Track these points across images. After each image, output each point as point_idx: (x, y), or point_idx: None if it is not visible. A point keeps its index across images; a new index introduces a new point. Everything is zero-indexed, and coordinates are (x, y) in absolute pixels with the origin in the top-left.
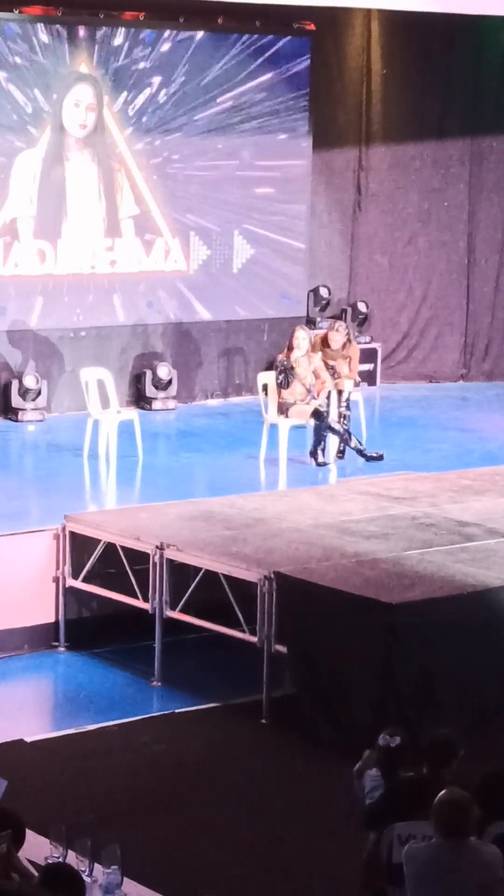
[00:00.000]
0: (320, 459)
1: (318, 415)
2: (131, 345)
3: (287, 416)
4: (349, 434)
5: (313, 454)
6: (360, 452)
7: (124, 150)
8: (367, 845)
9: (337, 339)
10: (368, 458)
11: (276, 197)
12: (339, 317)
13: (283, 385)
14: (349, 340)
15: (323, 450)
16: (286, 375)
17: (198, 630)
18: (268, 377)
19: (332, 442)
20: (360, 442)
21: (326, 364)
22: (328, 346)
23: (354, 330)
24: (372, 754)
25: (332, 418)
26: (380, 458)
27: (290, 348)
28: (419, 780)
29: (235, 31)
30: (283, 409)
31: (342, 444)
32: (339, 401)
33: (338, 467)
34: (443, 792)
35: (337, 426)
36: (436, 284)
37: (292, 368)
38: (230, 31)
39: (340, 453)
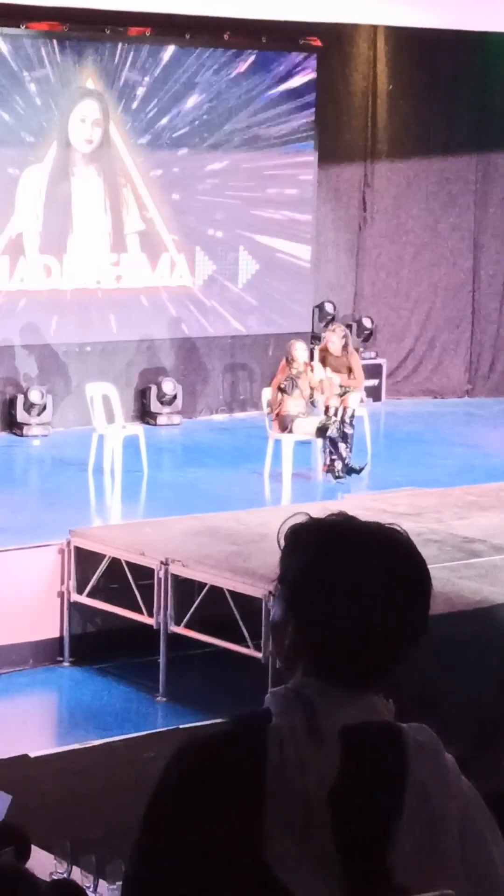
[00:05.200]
0: (338, 472)
1: (322, 432)
2: (136, 360)
3: (290, 432)
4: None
5: (330, 469)
6: (349, 469)
7: (130, 166)
8: None
9: (334, 341)
10: (353, 472)
11: (281, 212)
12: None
13: (287, 390)
14: (347, 344)
15: (344, 462)
16: (291, 382)
17: (202, 645)
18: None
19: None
20: (348, 462)
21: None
22: (329, 353)
23: (360, 345)
24: None
25: (334, 433)
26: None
27: (289, 361)
28: None
29: (241, 47)
30: (285, 424)
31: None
32: (344, 416)
33: (342, 483)
34: None
35: (340, 442)
36: (441, 300)
37: (297, 376)
38: (236, 48)
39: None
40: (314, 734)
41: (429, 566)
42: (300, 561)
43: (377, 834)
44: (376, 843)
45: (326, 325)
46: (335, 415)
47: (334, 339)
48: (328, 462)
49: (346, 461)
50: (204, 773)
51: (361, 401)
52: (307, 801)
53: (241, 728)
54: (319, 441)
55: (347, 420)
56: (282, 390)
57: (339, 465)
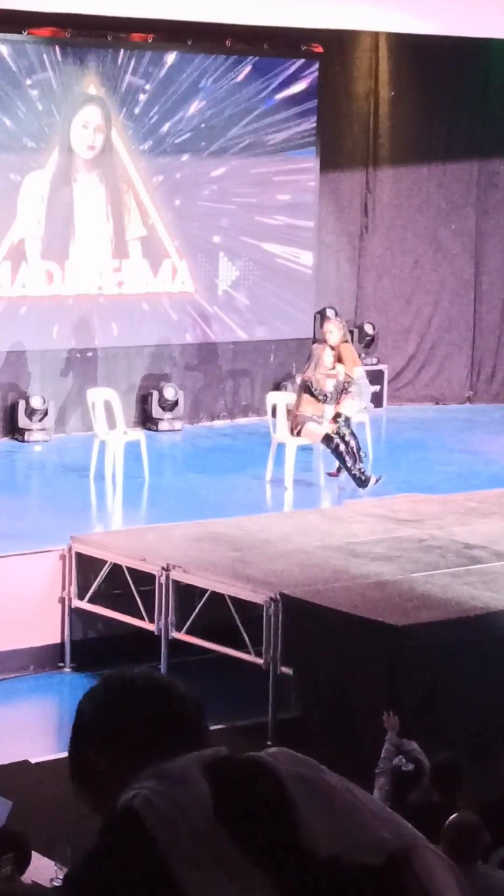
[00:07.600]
0: (369, 476)
1: (328, 440)
2: (138, 365)
3: (298, 434)
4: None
5: (360, 476)
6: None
7: (132, 172)
8: None
9: (333, 332)
10: (363, 484)
11: (283, 219)
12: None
13: (317, 393)
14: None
15: (358, 467)
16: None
17: (203, 652)
18: (277, 397)
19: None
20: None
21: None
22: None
23: (361, 351)
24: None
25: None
26: (369, 480)
27: (316, 362)
28: (429, 807)
29: (243, 53)
30: (296, 424)
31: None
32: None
33: (343, 488)
34: (455, 815)
35: (344, 451)
36: (442, 306)
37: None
38: (238, 54)
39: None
40: (170, 779)
41: (430, 573)
42: (90, 707)
43: (280, 826)
44: (284, 834)
45: (315, 342)
46: (342, 426)
47: (332, 329)
48: (348, 468)
49: (354, 472)
50: (99, 883)
51: (366, 407)
52: (203, 832)
53: (105, 824)
54: (322, 446)
55: (347, 429)
56: (321, 397)
57: (356, 470)
